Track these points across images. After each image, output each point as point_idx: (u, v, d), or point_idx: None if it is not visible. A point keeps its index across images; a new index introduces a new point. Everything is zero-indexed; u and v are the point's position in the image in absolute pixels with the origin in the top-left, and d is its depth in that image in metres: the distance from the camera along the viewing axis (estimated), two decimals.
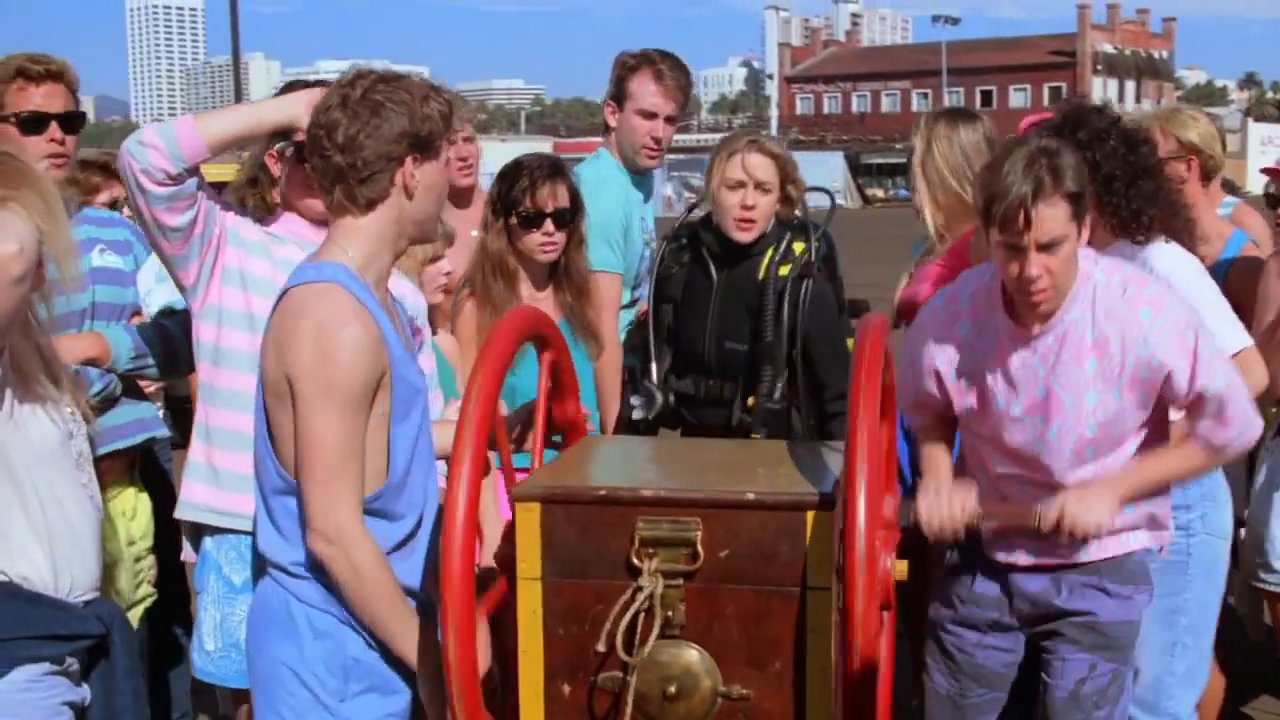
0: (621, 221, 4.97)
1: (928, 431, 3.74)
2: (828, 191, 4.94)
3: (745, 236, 4.41)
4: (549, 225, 4.43)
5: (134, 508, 4.25)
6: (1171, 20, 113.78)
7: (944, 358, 3.59)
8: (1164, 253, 3.93)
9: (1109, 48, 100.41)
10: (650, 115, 5.12)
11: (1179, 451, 3.52)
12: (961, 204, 4.49)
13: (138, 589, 4.27)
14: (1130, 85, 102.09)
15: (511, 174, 4.56)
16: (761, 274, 4.41)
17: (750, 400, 4.39)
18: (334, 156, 2.98)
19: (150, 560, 4.32)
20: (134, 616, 4.22)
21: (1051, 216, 3.25)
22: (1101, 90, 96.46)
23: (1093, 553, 3.55)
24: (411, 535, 3.08)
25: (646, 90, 5.13)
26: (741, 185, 4.37)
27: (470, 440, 2.79)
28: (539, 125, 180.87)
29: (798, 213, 4.58)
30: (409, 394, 3.04)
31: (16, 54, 4.07)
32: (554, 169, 4.55)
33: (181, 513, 3.81)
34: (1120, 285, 3.42)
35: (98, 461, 3.42)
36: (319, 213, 3.47)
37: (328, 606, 3.01)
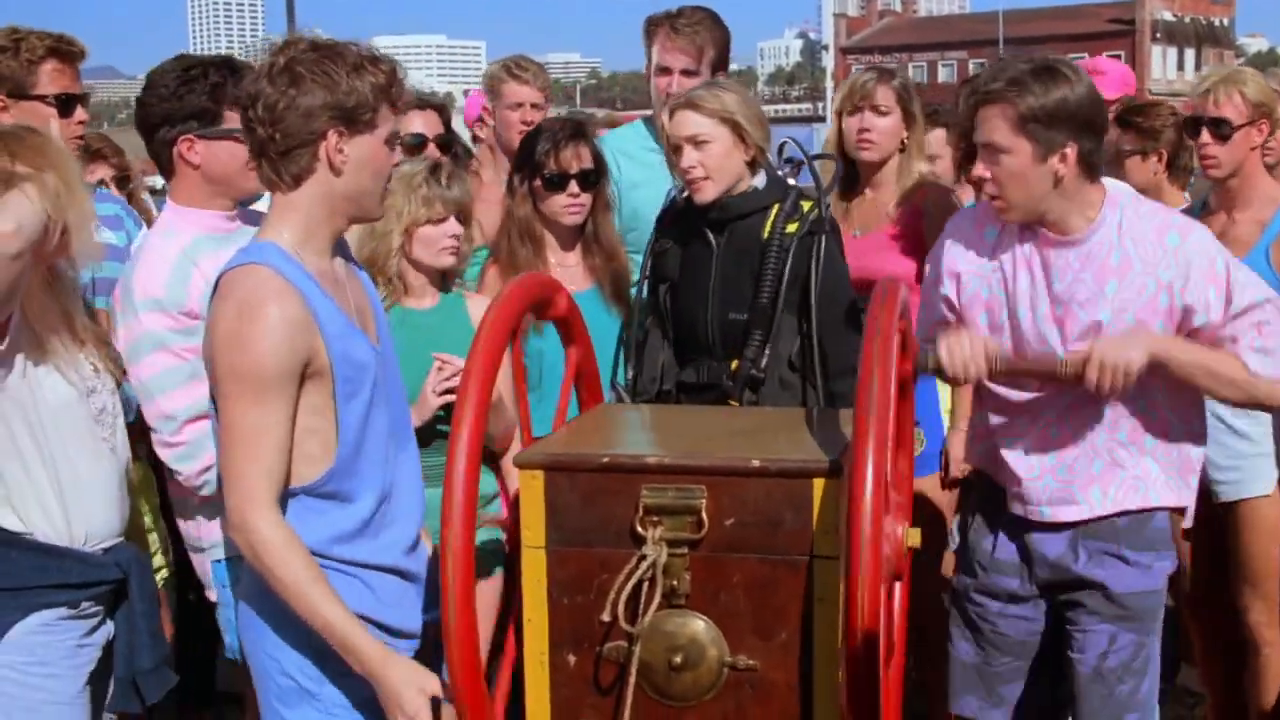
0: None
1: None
2: (806, 158, 4.72)
3: (702, 196, 4.05)
4: (574, 186, 4.37)
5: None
6: None
7: (966, 259, 3.59)
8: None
9: (1168, 15, 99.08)
10: (664, 71, 5.02)
11: (1218, 352, 3.42)
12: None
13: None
14: (1190, 53, 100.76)
15: (533, 137, 4.52)
16: (766, 232, 4.06)
17: (733, 365, 4.03)
18: (257, 129, 2.90)
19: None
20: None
21: (992, 122, 3.35)
22: (1160, 58, 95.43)
23: (1114, 502, 3.50)
24: (373, 516, 3.01)
25: (661, 47, 5.05)
26: (677, 150, 4.06)
27: (470, 415, 2.79)
28: (595, 99, 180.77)
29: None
30: (352, 371, 2.95)
31: (20, 29, 4.08)
32: (576, 130, 4.48)
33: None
34: (1150, 211, 3.49)
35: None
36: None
37: None
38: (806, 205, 4.08)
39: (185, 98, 3.64)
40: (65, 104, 4.06)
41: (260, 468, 2.83)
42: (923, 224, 4.61)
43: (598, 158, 4.46)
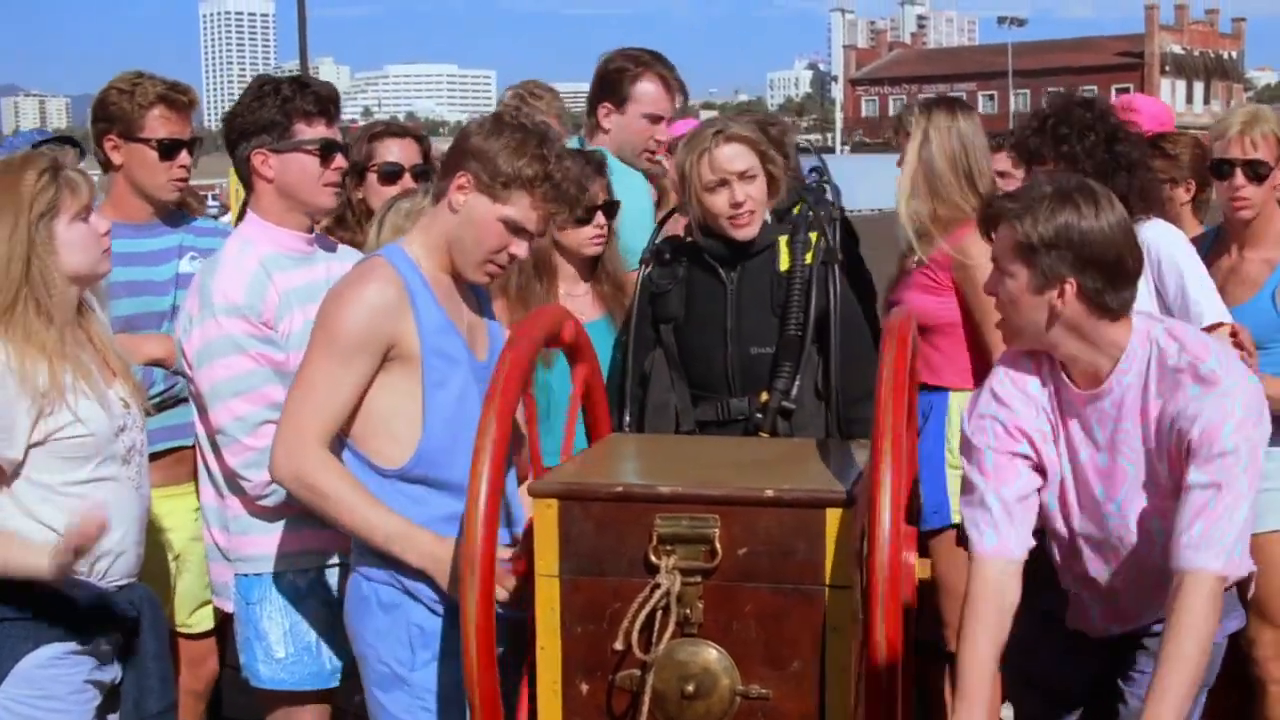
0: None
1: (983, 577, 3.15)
2: (820, 162, 4.62)
3: (748, 232, 3.99)
4: (600, 218, 4.41)
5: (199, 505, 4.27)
6: (1241, 20, 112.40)
7: (1030, 418, 3.25)
8: (1151, 227, 3.99)
9: (1177, 48, 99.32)
10: (656, 119, 5.06)
11: (1182, 656, 2.91)
12: (956, 198, 4.45)
13: (208, 586, 4.27)
14: (1199, 86, 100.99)
15: None
16: (785, 264, 4.01)
17: (764, 396, 3.95)
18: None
19: None
20: (208, 615, 4.32)
21: (1000, 242, 3.13)
22: (1170, 91, 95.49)
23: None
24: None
25: (652, 94, 5.06)
26: (723, 184, 3.94)
27: (489, 450, 2.82)
28: None
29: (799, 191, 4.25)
30: (442, 363, 3.22)
31: (140, 75, 4.33)
32: (599, 166, 4.53)
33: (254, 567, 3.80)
34: (1177, 350, 3.11)
35: (157, 458, 3.67)
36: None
37: (389, 580, 3.22)
38: (814, 235, 4.06)
39: (258, 112, 3.78)
40: (168, 149, 4.27)
41: (313, 408, 3.16)
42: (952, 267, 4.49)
43: (611, 189, 4.50)
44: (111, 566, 3.34)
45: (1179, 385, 3.06)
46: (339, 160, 3.83)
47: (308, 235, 3.86)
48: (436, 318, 3.22)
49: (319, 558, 3.72)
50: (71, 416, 3.23)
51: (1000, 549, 3.10)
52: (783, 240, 4.05)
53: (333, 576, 3.73)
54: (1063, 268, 3.04)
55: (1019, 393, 3.24)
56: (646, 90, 5.08)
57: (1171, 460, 3.09)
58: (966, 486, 3.21)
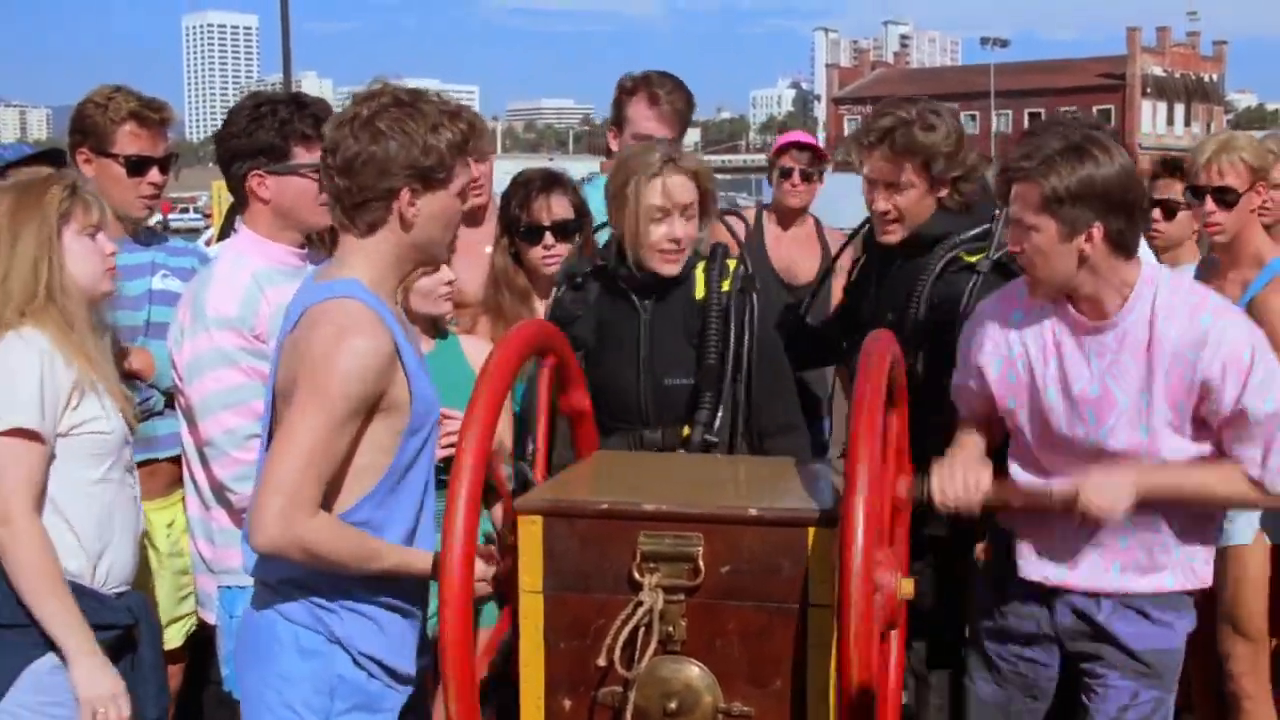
0: None
1: (964, 420, 3.71)
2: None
3: (673, 269, 3.88)
4: (548, 238, 4.41)
5: (175, 519, 4.28)
6: (1222, 43, 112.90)
7: (992, 346, 3.56)
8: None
9: (1159, 71, 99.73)
10: (645, 139, 4.96)
11: (1219, 470, 3.40)
12: None
13: (181, 601, 4.29)
14: (1180, 108, 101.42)
15: (511, 190, 4.58)
16: (701, 292, 3.91)
17: (685, 431, 3.86)
18: (335, 177, 2.97)
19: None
20: (178, 632, 4.30)
21: (1021, 200, 3.34)
22: (1150, 114, 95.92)
23: (1128, 585, 3.48)
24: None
25: (641, 115, 5.10)
26: (665, 213, 3.83)
27: (468, 473, 2.80)
28: (588, 144, 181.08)
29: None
30: (423, 408, 3.04)
31: (117, 90, 4.34)
32: (550, 181, 4.52)
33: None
34: (1186, 289, 3.46)
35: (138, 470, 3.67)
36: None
37: (316, 625, 3.02)
38: (732, 263, 3.99)
39: (255, 134, 3.81)
40: (137, 165, 4.28)
41: (312, 476, 2.87)
42: None
43: (578, 207, 4.50)
44: (111, 573, 3.41)
45: (1192, 315, 3.34)
46: None
47: (300, 250, 3.89)
48: (413, 360, 3.04)
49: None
50: (99, 410, 3.34)
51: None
52: (699, 268, 3.96)
53: None
54: (1090, 214, 3.28)
55: (1019, 312, 3.54)
56: (635, 112, 5.13)
57: (1174, 394, 3.34)
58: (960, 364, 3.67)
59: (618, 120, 5.19)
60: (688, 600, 2.93)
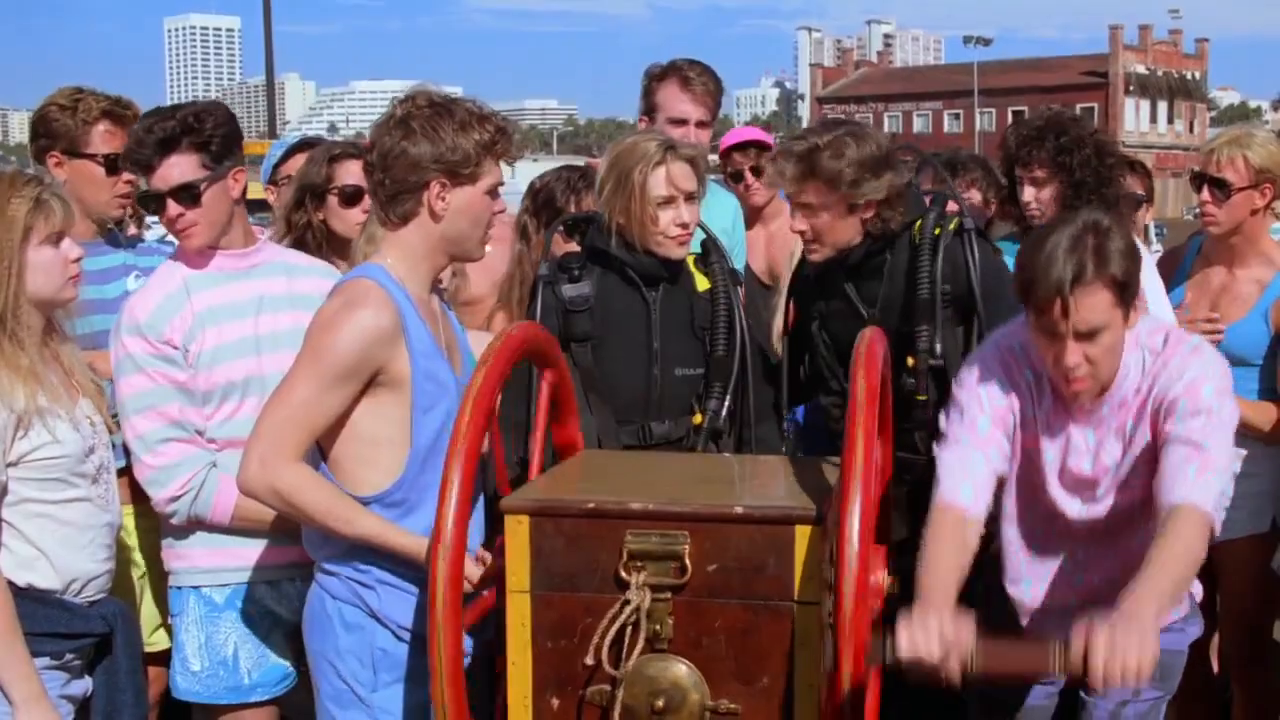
0: None
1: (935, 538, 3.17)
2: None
3: (683, 252, 3.98)
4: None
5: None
6: (1204, 41, 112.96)
7: (1014, 400, 3.34)
8: None
9: (1141, 68, 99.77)
10: (680, 122, 5.01)
11: (1178, 532, 2.96)
12: None
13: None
14: (1163, 106, 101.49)
15: (548, 187, 4.65)
16: (704, 284, 4.05)
17: (696, 419, 3.95)
18: (374, 172, 3.26)
19: None
20: (164, 635, 4.25)
21: (1091, 305, 3.06)
22: (1134, 111, 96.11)
23: None
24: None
25: (674, 97, 5.06)
26: (671, 201, 3.90)
27: (459, 465, 2.83)
28: (571, 145, 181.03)
29: None
30: (433, 387, 3.23)
31: (80, 90, 4.36)
32: (590, 180, 4.55)
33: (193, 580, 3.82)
34: (1161, 341, 3.26)
35: (119, 475, 3.64)
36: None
37: (355, 600, 3.23)
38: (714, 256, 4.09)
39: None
40: (113, 164, 4.26)
41: (294, 427, 3.13)
42: None
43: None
44: (83, 583, 3.37)
45: (1167, 361, 3.20)
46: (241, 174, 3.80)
47: (243, 250, 3.81)
48: (426, 341, 3.23)
49: (237, 573, 3.74)
50: (48, 436, 3.26)
51: (975, 511, 3.19)
52: (690, 261, 4.05)
53: (258, 591, 3.75)
54: (1134, 290, 3.15)
55: (1013, 379, 3.34)
56: (667, 96, 5.10)
57: (1153, 430, 3.19)
58: (949, 438, 3.30)
59: (648, 109, 5.14)
60: (675, 598, 2.94)
